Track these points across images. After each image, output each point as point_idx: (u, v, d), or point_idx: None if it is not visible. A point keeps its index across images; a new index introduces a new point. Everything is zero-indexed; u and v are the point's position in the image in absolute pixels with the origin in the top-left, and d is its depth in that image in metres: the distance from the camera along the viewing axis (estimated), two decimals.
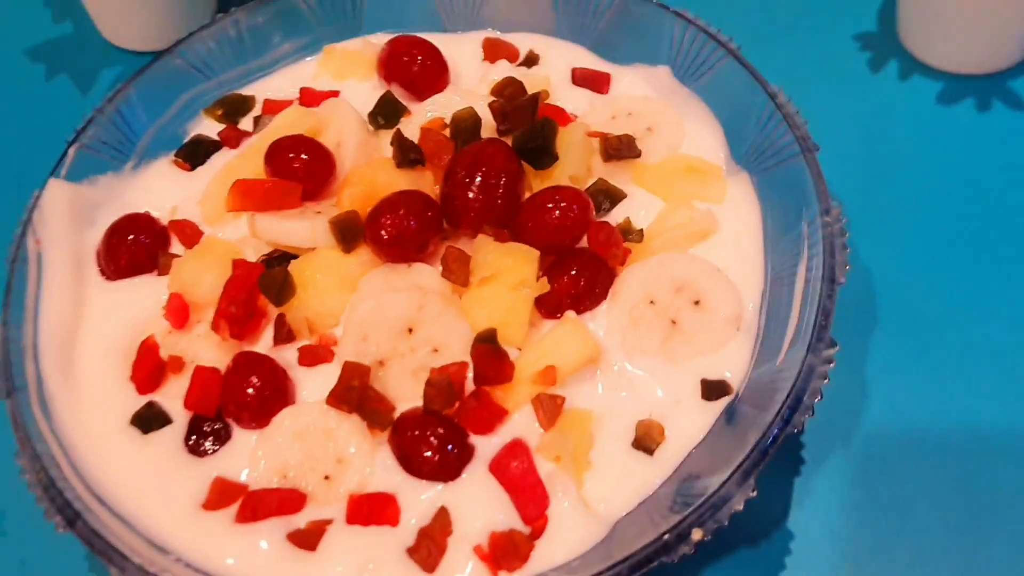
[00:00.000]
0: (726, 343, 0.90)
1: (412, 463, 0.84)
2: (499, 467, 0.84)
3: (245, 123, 1.12)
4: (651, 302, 0.91)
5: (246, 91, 1.15)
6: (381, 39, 1.15)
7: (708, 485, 0.79)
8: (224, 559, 0.81)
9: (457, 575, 0.80)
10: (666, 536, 0.75)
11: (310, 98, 1.11)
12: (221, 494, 0.84)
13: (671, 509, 0.80)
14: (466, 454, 0.85)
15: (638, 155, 1.00)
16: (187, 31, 1.13)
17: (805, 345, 0.83)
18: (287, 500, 0.83)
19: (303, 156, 0.98)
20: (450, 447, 0.84)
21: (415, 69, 1.09)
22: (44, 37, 1.47)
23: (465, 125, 0.98)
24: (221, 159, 1.07)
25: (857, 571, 0.93)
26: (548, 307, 0.91)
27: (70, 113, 1.31)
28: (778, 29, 1.33)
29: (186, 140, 1.10)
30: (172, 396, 0.91)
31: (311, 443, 0.85)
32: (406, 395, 0.88)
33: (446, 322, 0.88)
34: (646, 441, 0.86)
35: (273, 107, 1.11)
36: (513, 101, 1.00)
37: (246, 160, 1.03)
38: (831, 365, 0.82)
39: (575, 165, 0.98)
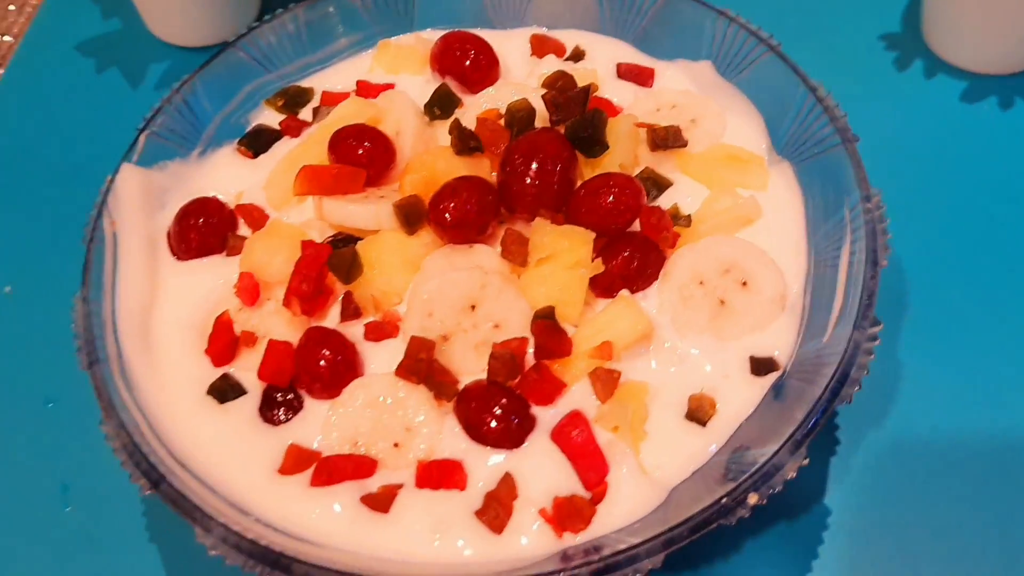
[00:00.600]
0: (772, 322, 0.95)
1: (478, 431, 0.88)
2: (561, 435, 0.88)
3: (304, 113, 1.16)
4: (700, 283, 0.96)
5: (305, 83, 1.19)
6: (432, 35, 1.19)
7: (759, 455, 0.83)
8: (301, 520, 0.85)
9: (524, 536, 0.84)
10: (724, 500, 0.79)
11: (366, 90, 1.15)
12: (297, 460, 0.88)
13: (725, 477, 0.84)
14: (528, 423, 0.89)
15: (684, 144, 1.05)
16: (233, 27, 1.18)
17: (851, 323, 0.87)
18: (360, 465, 0.87)
19: (366, 144, 1.02)
20: (513, 417, 0.88)
21: (467, 63, 1.13)
22: (93, 33, 1.51)
23: (520, 115, 1.02)
24: (283, 147, 1.11)
25: (896, 545, 0.96)
26: (602, 287, 0.95)
27: (120, 107, 1.39)
28: (803, 30, 1.35)
29: (249, 129, 1.14)
30: (245, 369, 0.95)
31: (381, 412, 0.89)
32: (469, 368, 0.92)
33: (507, 300, 0.93)
34: (699, 413, 0.90)
35: (331, 99, 1.15)
36: (565, 92, 1.04)
37: (308, 148, 1.07)
38: (876, 342, 0.86)
39: (624, 154, 1.02)
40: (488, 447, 0.88)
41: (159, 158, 1.08)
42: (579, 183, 0.99)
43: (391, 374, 0.90)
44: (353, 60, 1.21)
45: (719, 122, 1.08)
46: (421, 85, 1.15)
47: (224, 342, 0.95)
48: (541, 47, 1.18)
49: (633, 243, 0.96)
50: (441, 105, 1.10)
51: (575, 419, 0.88)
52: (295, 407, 0.92)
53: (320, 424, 0.91)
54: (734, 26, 1.09)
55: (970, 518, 0.97)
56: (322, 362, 0.91)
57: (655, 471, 0.87)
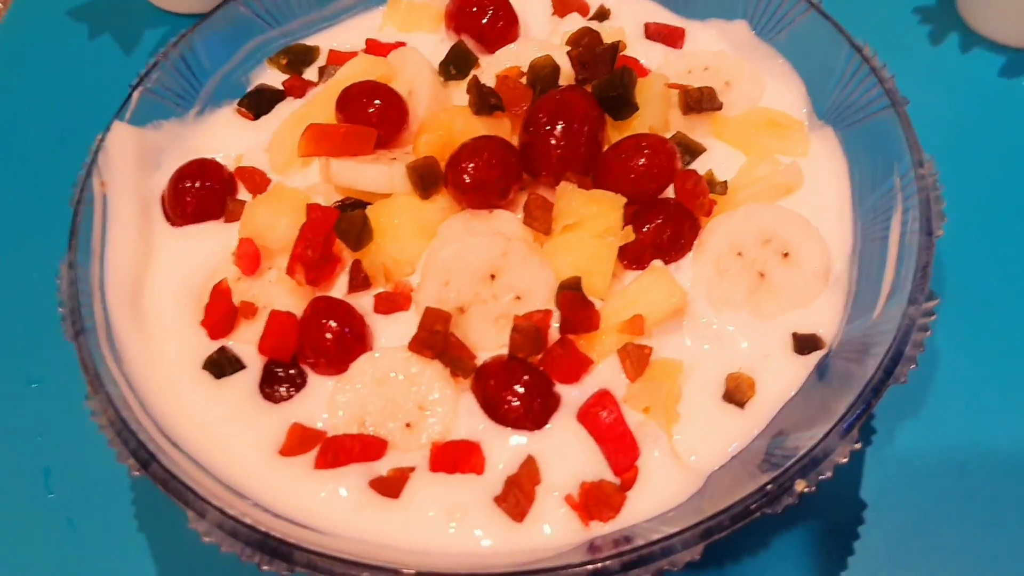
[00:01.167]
0: (816, 297, 0.88)
1: (497, 411, 0.82)
2: (588, 416, 0.82)
3: (310, 73, 1.10)
4: (738, 254, 0.89)
5: (310, 41, 1.13)
6: None
7: (802, 439, 0.77)
8: (304, 505, 0.79)
9: (547, 524, 0.78)
10: (769, 486, 0.73)
11: (376, 49, 1.09)
12: (300, 440, 0.82)
13: (765, 463, 0.78)
14: (552, 402, 0.83)
15: (719, 107, 0.98)
16: None
17: (905, 298, 0.81)
18: (369, 446, 0.81)
19: (377, 102, 0.96)
20: (536, 395, 0.82)
21: (485, 21, 1.07)
22: None
23: (544, 72, 0.96)
24: (286, 108, 1.05)
25: (929, 540, 0.91)
26: (631, 257, 0.89)
27: (112, 74, 1.32)
28: (835, 3, 1.32)
29: (250, 89, 1.09)
30: (244, 342, 0.89)
31: (392, 389, 0.83)
32: (487, 343, 0.86)
33: (530, 269, 0.86)
34: (736, 394, 0.84)
35: (338, 58, 1.09)
36: (592, 50, 0.98)
37: (313, 109, 1.01)
38: (932, 317, 0.80)
39: (654, 116, 0.96)
40: (508, 428, 0.82)
41: (154, 117, 1.02)
42: (607, 146, 0.93)
43: (403, 348, 0.84)
44: (362, 17, 1.15)
45: (756, 85, 1.02)
46: (435, 44, 1.09)
47: (221, 313, 0.89)
48: (563, 5, 1.12)
49: (666, 210, 0.90)
50: (457, 64, 1.04)
51: (603, 398, 0.83)
52: (298, 383, 0.87)
53: (325, 402, 0.85)
54: None
55: (1009, 509, 0.92)
56: (328, 335, 0.85)
57: (689, 456, 0.82)
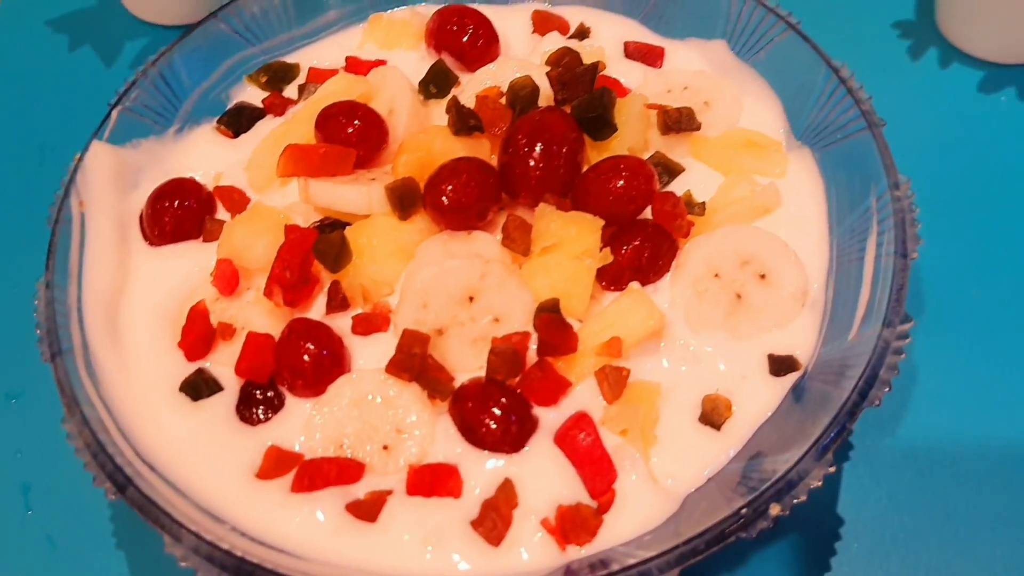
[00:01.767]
0: (793, 319, 0.89)
1: (475, 434, 0.82)
2: (565, 439, 0.82)
3: (289, 91, 1.10)
4: (716, 275, 0.89)
5: (290, 58, 1.13)
6: (429, 9, 1.14)
7: (780, 461, 0.77)
8: (281, 529, 0.79)
9: (524, 548, 0.78)
10: (743, 510, 0.73)
11: (356, 67, 1.09)
12: (276, 463, 0.82)
13: (741, 485, 0.78)
14: (530, 425, 0.83)
15: (698, 127, 0.98)
16: (211, 7, 1.11)
17: (880, 320, 0.81)
18: (345, 469, 0.81)
19: (356, 122, 0.96)
20: (513, 418, 0.82)
21: (466, 39, 1.07)
22: (67, 8, 1.45)
23: (523, 93, 0.96)
24: (265, 126, 1.05)
25: (907, 556, 0.92)
26: (610, 278, 0.89)
27: (93, 86, 1.32)
28: (815, 18, 1.31)
29: (229, 106, 1.08)
30: (221, 363, 0.88)
31: (370, 412, 0.83)
32: (466, 365, 0.86)
33: (509, 291, 0.86)
34: (713, 416, 0.84)
35: (318, 75, 1.09)
36: (571, 70, 0.98)
37: (293, 127, 1.01)
38: (907, 340, 0.81)
39: (633, 136, 0.96)
40: (486, 451, 0.82)
41: (132, 135, 1.02)
42: (586, 167, 0.93)
43: (381, 370, 0.84)
44: (343, 34, 1.15)
45: (735, 105, 1.02)
46: (415, 62, 1.09)
47: (199, 334, 0.89)
48: (544, 24, 1.12)
49: (644, 232, 0.90)
50: (437, 83, 1.04)
51: (580, 421, 0.82)
52: (275, 405, 0.86)
53: (302, 424, 0.85)
54: (751, 3, 1.04)
55: (983, 529, 0.93)
56: (305, 356, 0.85)
57: (666, 479, 0.82)
